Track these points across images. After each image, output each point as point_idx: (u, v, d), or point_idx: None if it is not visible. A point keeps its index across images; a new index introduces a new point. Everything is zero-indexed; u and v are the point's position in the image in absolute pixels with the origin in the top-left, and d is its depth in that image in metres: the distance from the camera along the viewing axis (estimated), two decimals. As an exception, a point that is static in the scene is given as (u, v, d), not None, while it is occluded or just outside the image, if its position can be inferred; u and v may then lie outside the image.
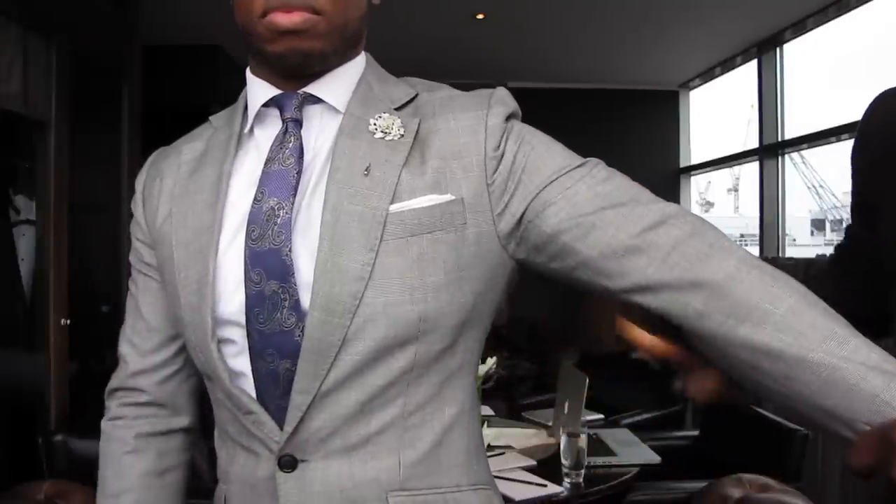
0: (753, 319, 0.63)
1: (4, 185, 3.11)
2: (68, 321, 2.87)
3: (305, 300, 0.71)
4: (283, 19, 0.70)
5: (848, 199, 1.18)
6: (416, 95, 0.78)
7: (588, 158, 0.74)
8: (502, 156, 0.73)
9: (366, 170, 0.72)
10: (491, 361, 2.40)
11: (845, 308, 1.01)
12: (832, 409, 0.60)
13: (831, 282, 1.09)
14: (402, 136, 0.74)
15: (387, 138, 0.74)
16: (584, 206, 0.70)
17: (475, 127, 0.74)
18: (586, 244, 0.69)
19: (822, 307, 0.64)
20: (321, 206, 0.72)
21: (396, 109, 0.76)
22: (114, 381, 0.91)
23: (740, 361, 0.64)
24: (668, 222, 0.68)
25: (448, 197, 0.72)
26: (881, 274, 1.03)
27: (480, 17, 4.31)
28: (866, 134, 1.07)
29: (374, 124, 0.75)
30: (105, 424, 0.90)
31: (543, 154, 0.73)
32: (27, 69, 2.67)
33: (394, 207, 0.71)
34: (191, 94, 4.35)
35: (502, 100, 0.76)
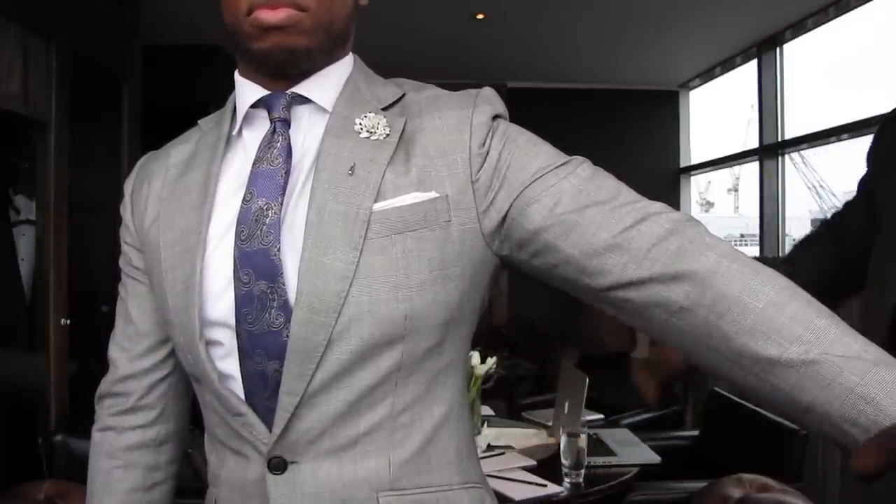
0: (734, 313, 0.63)
1: (4, 185, 3.11)
2: (68, 321, 2.87)
3: (293, 300, 0.71)
4: (268, 16, 0.71)
5: (848, 199, 1.22)
6: (403, 95, 0.78)
7: (573, 157, 0.74)
8: (487, 153, 0.73)
9: (350, 169, 0.73)
10: (491, 361, 2.40)
11: (822, 272, 1.14)
12: (810, 404, 0.60)
13: (818, 245, 1.20)
14: (388, 135, 0.74)
15: (372, 138, 0.74)
16: (566, 203, 0.70)
17: (460, 125, 0.74)
18: (568, 242, 0.69)
19: (804, 298, 0.63)
20: (307, 206, 0.72)
21: (383, 109, 0.77)
22: (103, 386, 0.91)
23: (722, 357, 0.64)
24: (650, 219, 0.68)
25: (432, 194, 0.72)
26: (863, 251, 1.12)
27: (480, 17, 4.31)
28: (882, 136, 1.12)
29: (360, 124, 0.75)
30: (95, 434, 0.90)
31: (528, 152, 0.73)
32: (27, 69, 2.67)
33: (378, 206, 0.71)
34: (191, 94, 4.34)
35: (488, 99, 0.76)
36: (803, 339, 0.60)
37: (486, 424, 2.46)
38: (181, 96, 4.24)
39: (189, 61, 4.53)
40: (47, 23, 2.79)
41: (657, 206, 0.70)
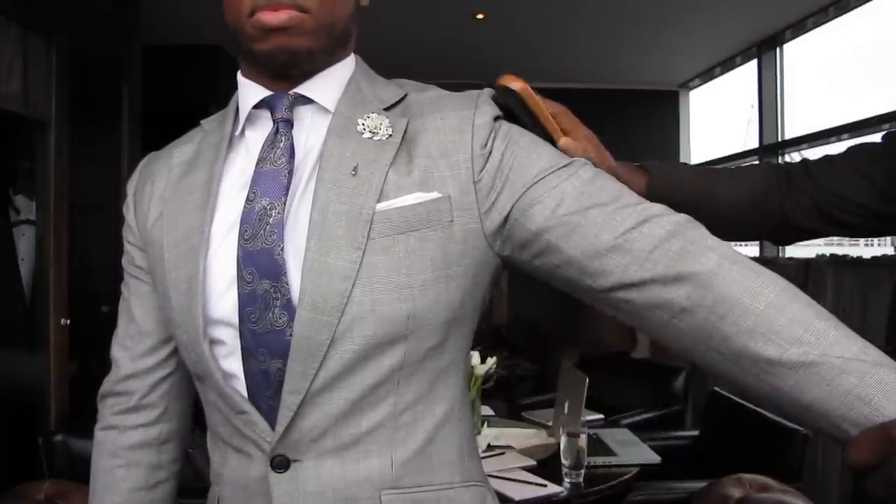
0: (735, 315, 0.63)
1: (4, 185, 3.11)
2: (68, 321, 2.87)
3: (297, 299, 0.71)
4: (270, 17, 0.71)
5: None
6: (405, 96, 0.79)
7: (574, 158, 0.75)
8: (489, 154, 0.74)
9: (353, 170, 0.73)
10: (491, 361, 2.40)
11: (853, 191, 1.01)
12: (809, 404, 0.61)
13: (849, 166, 1.05)
14: (390, 135, 0.75)
15: (374, 138, 0.75)
16: (568, 205, 0.70)
17: (462, 126, 0.74)
18: (570, 243, 0.70)
19: (804, 300, 0.64)
20: (310, 205, 0.73)
21: (385, 110, 0.77)
22: (106, 385, 0.91)
23: (723, 357, 0.65)
24: (652, 221, 0.69)
25: (434, 195, 0.72)
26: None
27: (480, 17, 4.31)
28: None
29: (363, 124, 0.75)
30: (98, 433, 0.91)
31: (531, 153, 0.74)
32: (27, 69, 2.67)
33: (380, 206, 0.72)
34: (191, 94, 4.35)
35: (489, 100, 0.77)
36: (803, 340, 0.61)
37: (486, 424, 2.46)
38: (181, 96, 4.24)
39: (189, 61, 4.53)
40: (47, 23, 2.79)
41: (658, 207, 0.71)
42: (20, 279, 3.02)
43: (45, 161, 2.83)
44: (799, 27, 4.44)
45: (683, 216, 0.70)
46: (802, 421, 0.63)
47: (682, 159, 6.02)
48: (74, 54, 2.95)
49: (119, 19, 3.49)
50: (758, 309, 0.63)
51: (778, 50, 4.70)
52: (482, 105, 0.76)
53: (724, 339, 0.64)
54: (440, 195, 0.72)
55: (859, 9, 3.99)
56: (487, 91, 0.78)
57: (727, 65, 5.31)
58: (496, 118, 0.76)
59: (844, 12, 4.09)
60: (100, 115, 3.45)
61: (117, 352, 0.89)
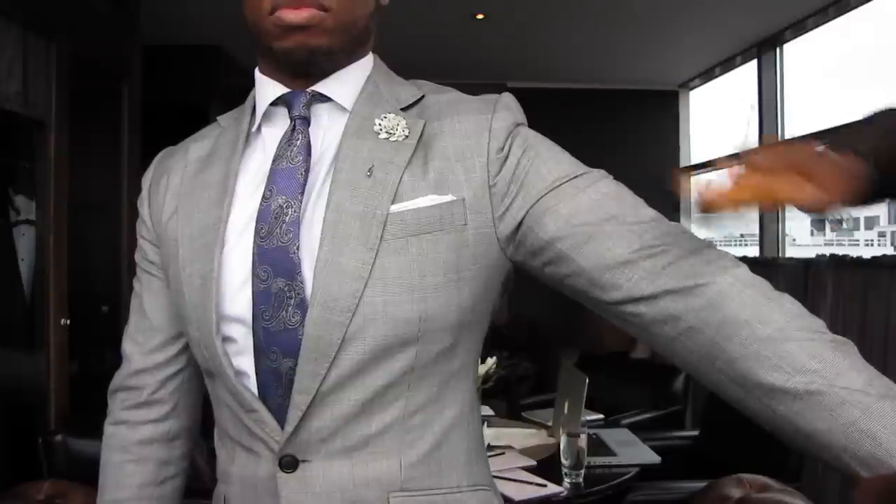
0: (742, 337, 0.63)
1: (4, 185, 3.11)
2: (68, 321, 2.87)
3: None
4: (291, 15, 0.71)
5: None
6: (423, 97, 0.79)
7: (594, 169, 0.75)
8: (506, 158, 0.73)
9: (368, 171, 0.73)
10: (491, 361, 2.40)
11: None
12: (811, 433, 0.60)
13: None
14: (407, 136, 0.75)
15: (391, 139, 0.75)
16: (583, 215, 0.70)
17: (479, 129, 0.74)
18: (581, 254, 0.70)
19: (814, 328, 0.63)
20: (325, 205, 0.73)
21: (402, 110, 0.77)
22: (116, 380, 0.91)
23: (728, 378, 0.64)
24: (668, 240, 0.68)
25: (449, 197, 0.72)
26: None
27: (480, 17, 4.30)
28: None
29: (380, 125, 0.75)
30: (108, 428, 0.91)
31: (549, 160, 0.74)
32: (27, 69, 2.67)
33: (394, 208, 0.72)
34: (191, 93, 4.34)
35: (508, 105, 0.77)
36: (808, 368, 0.60)
37: (486, 424, 2.46)
38: (181, 96, 4.24)
39: (189, 61, 4.52)
40: (47, 23, 2.78)
41: (678, 227, 0.71)
42: (20, 279, 3.02)
43: (45, 161, 2.83)
44: (799, 27, 4.44)
45: (705, 239, 0.70)
46: (805, 450, 0.62)
47: (682, 159, 6.01)
48: (74, 54, 2.94)
49: (119, 19, 3.48)
50: (765, 333, 0.62)
51: (778, 50, 4.70)
52: (500, 109, 0.76)
53: (729, 361, 0.63)
54: (455, 198, 0.72)
55: (859, 9, 3.99)
56: (506, 96, 0.78)
57: (727, 65, 5.31)
58: (514, 123, 0.76)
59: (844, 12, 4.09)
60: (100, 115, 3.44)
61: (128, 346, 0.89)
